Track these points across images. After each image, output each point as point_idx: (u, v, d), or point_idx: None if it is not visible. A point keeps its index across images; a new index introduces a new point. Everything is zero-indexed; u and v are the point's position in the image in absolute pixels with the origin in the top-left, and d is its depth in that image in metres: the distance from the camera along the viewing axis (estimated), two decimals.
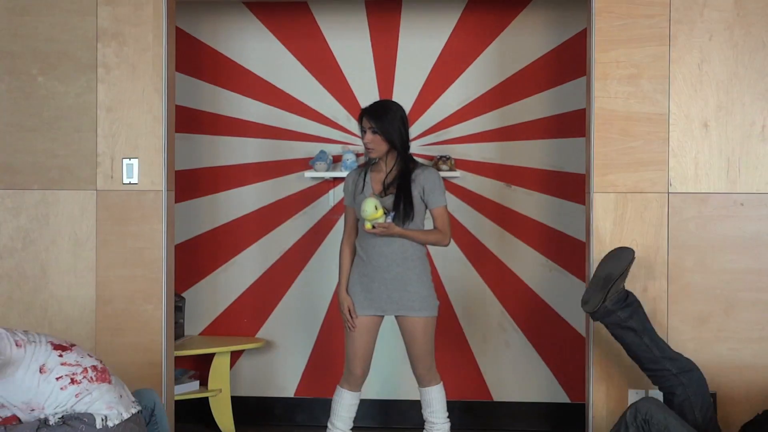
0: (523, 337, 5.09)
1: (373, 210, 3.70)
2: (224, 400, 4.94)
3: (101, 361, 3.25)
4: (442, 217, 3.89)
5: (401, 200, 3.81)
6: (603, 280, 3.64)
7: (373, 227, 3.72)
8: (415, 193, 3.84)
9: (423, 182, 3.86)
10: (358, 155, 4.99)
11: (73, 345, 3.23)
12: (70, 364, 3.11)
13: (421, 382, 3.97)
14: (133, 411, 3.19)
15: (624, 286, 3.69)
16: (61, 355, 3.12)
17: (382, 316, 3.93)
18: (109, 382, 3.17)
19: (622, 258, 3.70)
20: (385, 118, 3.83)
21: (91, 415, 3.05)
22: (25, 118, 4.18)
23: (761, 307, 3.94)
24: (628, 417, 3.37)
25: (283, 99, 5.21)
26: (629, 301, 3.63)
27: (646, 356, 3.61)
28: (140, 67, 4.12)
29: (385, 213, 3.75)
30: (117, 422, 3.09)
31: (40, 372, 3.04)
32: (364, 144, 3.88)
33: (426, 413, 3.97)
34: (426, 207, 3.91)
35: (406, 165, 3.91)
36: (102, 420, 3.05)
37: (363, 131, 3.88)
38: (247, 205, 5.25)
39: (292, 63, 5.21)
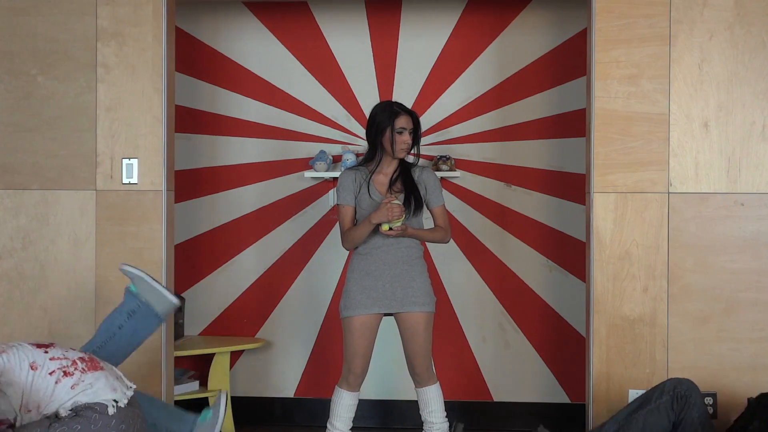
0: (523, 337, 5.09)
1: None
2: None
3: (85, 353, 3.23)
4: (443, 216, 4.03)
5: (412, 197, 3.92)
6: None
7: (390, 229, 3.81)
8: (421, 192, 3.96)
9: (425, 182, 3.99)
10: (358, 155, 4.99)
11: (51, 343, 3.22)
12: (58, 358, 3.09)
13: (420, 382, 3.97)
14: (131, 392, 3.19)
15: None
16: (46, 352, 3.11)
17: (382, 316, 3.93)
18: (102, 369, 3.16)
19: None
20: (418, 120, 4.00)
21: (102, 403, 3.04)
22: (24, 118, 4.18)
23: (761, 307, 3.93)
24: (668, 385, 3.47)
25: (283, 99, 5.21)
26: None
27: None
28: (140, 66, 4.12)
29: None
30: (126, 402, 3.09)
31: (32, 369, 3.03)
32: (402, 143, 3.90)
33: (424, 414, 3.97)
34: (425, 205, 4.02)
35: (404, 164, 4.00)
36: (113, 405, 3.05)
37: (399, 132, 3.90)
38: (247, 205, 5.25)
39: (292, 63, 5.21)
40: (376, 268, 3.90)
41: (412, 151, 4.00)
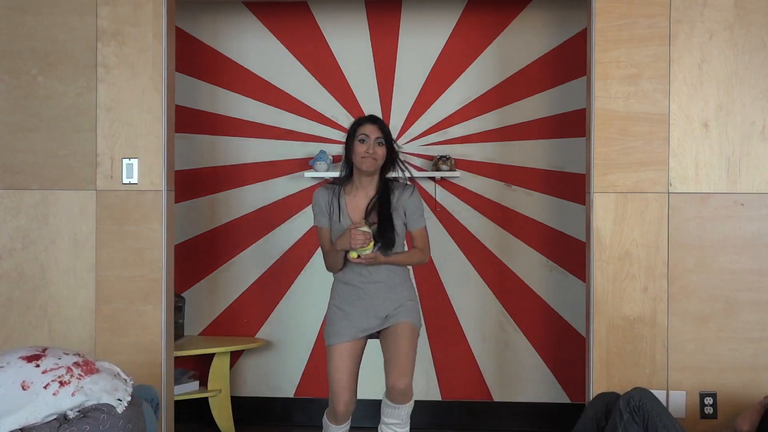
0: (523, 337, 5.09)
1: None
2: (224, 401, 4.94)
3: (79, 354, 3.19)
4: (422, 238, 3.77)
5: (386, 231, 3.64)
6: None
7: (358, 256, 3.61)
8: (398, 221, 3.69)
9: (405, 206, 3.70)
10: None
11: (45, 349, 3.14)
12: (51, 369, 3.04)
13: (399, 399, 3.62)
14: (131, 389, 3.18)
15: None
16: (38, 365, 3.04)
17: (365, 341, 3.74)
18: (97, 371, 3.13)
19: None
20: (389, 132, 3.70)
21: (109, 404, 3.03)
22: (25, 118, 4.18)
23: (761, 307, 3.93)
24: (621, 404, 3.40)
25: (283, 99, 5.21)
26: None
27: None
28: (140, 66, 4.12)
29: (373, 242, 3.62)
30: (128, 400, 3.08)
31: (23, 389, 2.98)
32: (367, 155, 3.63)
33: (388, 422, 3.68)
34: (406, 228, 3.75)
35: (386, 186, 3.72)
36: (121, 404, 3.04)
37: (361, 140, 3.64)
38: (247, 205, 5.25)
39: (292, 63, 5.21)
40: (357, 298, 3.69)
41: (393, 169, 3.71)
